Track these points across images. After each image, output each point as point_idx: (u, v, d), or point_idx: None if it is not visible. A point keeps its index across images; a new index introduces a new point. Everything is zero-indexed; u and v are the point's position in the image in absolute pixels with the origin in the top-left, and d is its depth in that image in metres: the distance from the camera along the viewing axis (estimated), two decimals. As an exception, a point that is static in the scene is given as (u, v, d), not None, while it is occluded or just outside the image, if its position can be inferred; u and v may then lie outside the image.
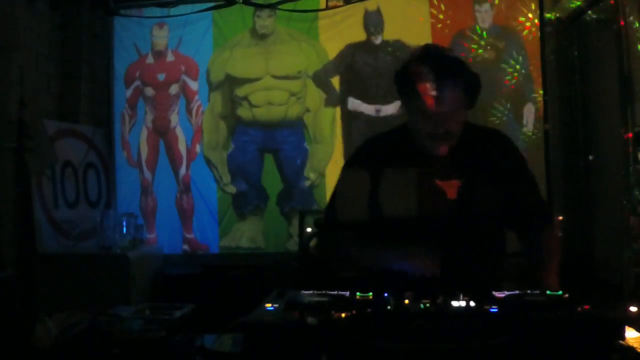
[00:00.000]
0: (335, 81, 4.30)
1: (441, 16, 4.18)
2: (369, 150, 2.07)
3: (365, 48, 4.27)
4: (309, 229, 3.75)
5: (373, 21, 4.25)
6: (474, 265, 1.88)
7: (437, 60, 1.87)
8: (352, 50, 4.28)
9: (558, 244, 2.07)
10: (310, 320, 1.37)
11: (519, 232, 2.08)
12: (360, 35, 4.28)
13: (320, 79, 4.30)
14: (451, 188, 1.92)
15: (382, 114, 4.22)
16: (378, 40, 4.25)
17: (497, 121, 4.03)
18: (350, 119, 4.27)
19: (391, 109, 4.19)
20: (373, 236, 1.96)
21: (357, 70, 4.28)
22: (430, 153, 1.93)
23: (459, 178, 1.93)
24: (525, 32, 4.10)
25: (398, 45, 4.21)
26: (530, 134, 4.04)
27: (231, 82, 4.40)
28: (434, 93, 1.82)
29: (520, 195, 2.00)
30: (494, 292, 1.57)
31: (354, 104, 4.26)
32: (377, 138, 2.14)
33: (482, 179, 1.94)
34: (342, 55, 4.29)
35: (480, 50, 4.11)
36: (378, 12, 4.25)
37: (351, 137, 4.24)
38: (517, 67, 4.08)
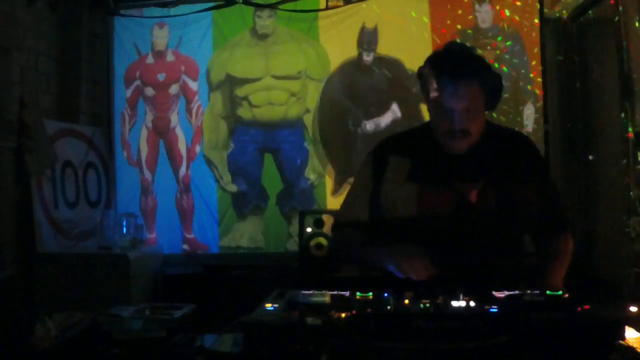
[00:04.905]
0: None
1: (441, 16, 4.18)
2: (387, 148, 2.02)
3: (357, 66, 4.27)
4: (309, 229, 3.75)
5: (367, 38, 4.23)
6: (487, 270, 1.80)
7: (457, 57, 1.84)
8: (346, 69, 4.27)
9: (572, 250, 2.01)
10: (310, 320, 1.37)
11: (535, 236, 2.05)
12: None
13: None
14: (470, 191, 1.88)
15: (382, 125, 4.22)
16: (370, 57, 4.24)
17: (497, 121, 4.02)
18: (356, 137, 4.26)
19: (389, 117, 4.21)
20: (384, 237, 1.93)
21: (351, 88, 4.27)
22: (448, 152, 1.89)
23: (479, 181, 1.88)
24: (525, 32, 4.11)
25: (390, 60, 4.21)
26: (530, 133, 4.04)
27: (231, 82, 4.40)
28: (451, 88, 1.79)
29: (541, 201, 1.96)
30: (494, 292, 1.57)
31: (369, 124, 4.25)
32: (397, 136, 2.10)
33: (503, 182, 1.90)
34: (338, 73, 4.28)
35: (480, 51, 4.10)
36: (374, 29, 4.24)
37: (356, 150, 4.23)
38: (517, 67, 4.07)
